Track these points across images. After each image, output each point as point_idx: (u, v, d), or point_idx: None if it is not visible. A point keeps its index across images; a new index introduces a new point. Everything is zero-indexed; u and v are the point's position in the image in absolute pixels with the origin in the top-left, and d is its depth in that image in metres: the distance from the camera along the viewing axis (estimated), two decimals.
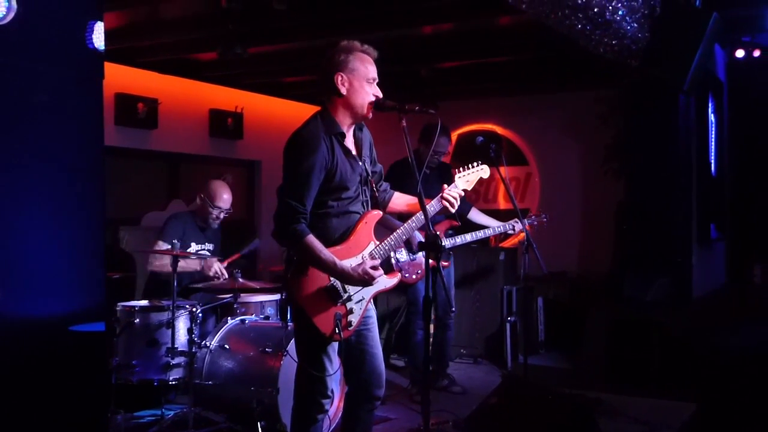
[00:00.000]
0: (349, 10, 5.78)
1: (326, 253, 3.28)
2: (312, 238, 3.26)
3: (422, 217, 3.43)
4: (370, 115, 3.46)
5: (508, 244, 8.16)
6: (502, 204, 8.68)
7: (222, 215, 5.41)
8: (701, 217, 7.52)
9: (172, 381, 4.89)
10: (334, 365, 3.45)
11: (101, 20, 1.82)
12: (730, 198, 8.79)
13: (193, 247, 5.39)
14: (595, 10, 5.11)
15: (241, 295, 5.23)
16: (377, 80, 3.45)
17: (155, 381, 4.87)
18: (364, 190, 3.52)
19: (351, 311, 3.40)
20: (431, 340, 5.90)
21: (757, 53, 7.78)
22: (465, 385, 6.08)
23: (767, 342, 6.19)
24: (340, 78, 3.39)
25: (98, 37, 1.87)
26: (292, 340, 3.96)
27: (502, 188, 8.54)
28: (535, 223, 5.70)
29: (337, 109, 3.43)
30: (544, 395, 4.38)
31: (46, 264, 1.77)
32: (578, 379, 6.22)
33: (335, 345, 3.45)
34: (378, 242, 3.52)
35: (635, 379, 6.06)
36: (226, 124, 8.09)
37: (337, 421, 4.76)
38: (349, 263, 3.36)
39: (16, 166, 1.70)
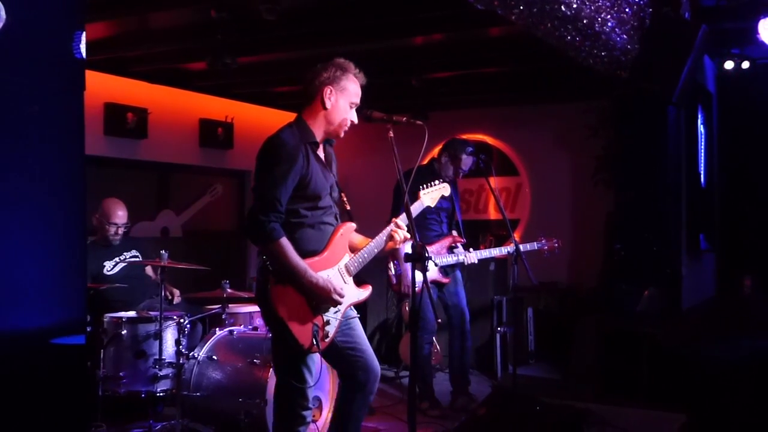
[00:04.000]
0: (339, 21, 5.79)
1: (298, 258, 3.28)
2: (286, 241, 3.27)
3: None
4: (342, 135, 3.51)
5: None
6: (492, 214, 8.69)
7: (121, 231, 5.51)
8: (691, 229, 7.54)
9: (159, 393, 4.87)
10: (314, 376, 3.44)
11: (83, 30, 1.81)
12: (719, 209, 8.81)
13: (108, 265, 5.45)
14: (585, 21, 5.13)
15: (230, 305, 5.22)
16: (358, 105, 3.50)
17: (143, 393, 4.85)
18: (335, 203, 3.55)
19: (328, 322, 3.40)
20: (449, 352, 5.87)
21: (746, 65, 7.82)
22: None
23: (757, 353, 6.19)
24: (328, 91, 3.43)
25: (82, 48, 1.86)
26: None
27: (492, 199, 8.55)
28: (545, 247, 5.58)
29: (316, 120, 3.46)
30: (533, 406, 4.37)
31: (25, 276, 1.75)
32: (568, 390, 6.22)
33: (314, 356, 3.44)
34: (352, 255, 3.55)
35: (625, 390, 6.05)
36: (216, 134, 8.07)
37: (326, 431, 4.74)
38: (326, 274, 3.38)
39: None
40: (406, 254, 3.24)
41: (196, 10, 5.66)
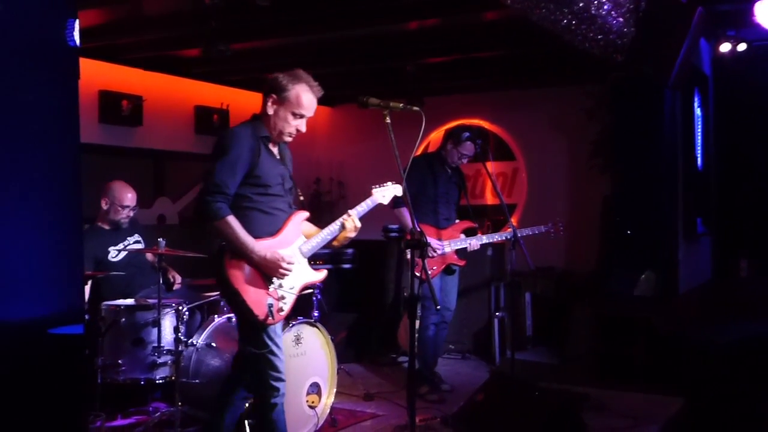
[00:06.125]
0: (333, 6, 5.75)
1: (245, 234, 3.53)
2: (233, 219, 3.51)
3: (361, 210, 3.89)
4: (285, 140, 3.75)
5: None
6: (490, 199, 8.68)
7: (131, 213, 5.50)
8: (687, 212, 7.55)
9: (158, 380, 4.88)
10: (280, 347, 3.66)
11: (77, 18, 1.80)
12: (716, 192, 8.82)
13: (113, 250, 5.39)
14: (580, 5, 5.10)
15: None
16: (308, 116, 3.68)
17: (142, 380, 4.86)
18: (289, 194, 3.79)
19: (282, 297, 3.65)
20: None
21: (742, 47, 7.79)
22: (453, 381, 6.08)
23: (753, 336, 6.22)
24: (271, 99, 3.68)
25: (76, 35, 1.84)
26: None
27: (489, 184, 8.54)
28: (552, 231, 5.68)
29: (264, 120, 3.71)
30: (531, 391, 4.39)
31: (21, 266, 1.75)
32: (565, 374, 6.25)
33: (276, 328, 3.65)
34: (306, 240, 3.82)
35: (622, 374, 6.08)
36: (211, 121, 8.04)
37: (325, 418, 4.75)
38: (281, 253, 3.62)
39: None
40: (405, 241, 3.29)
41: None
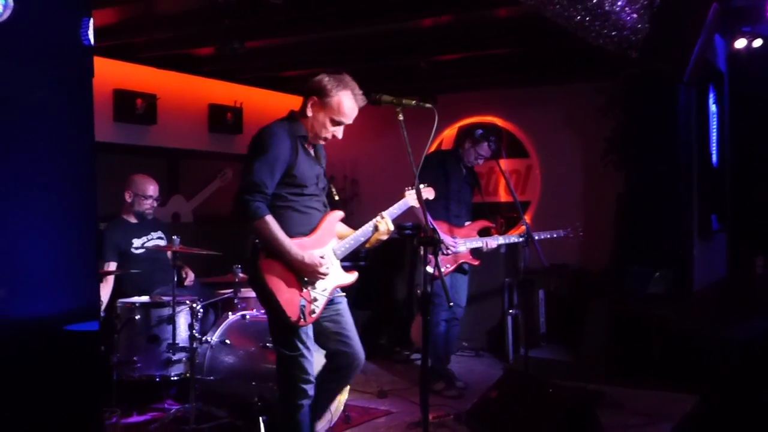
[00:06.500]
0: (346, 3, 5.76)
1: (283, 234, 3.47)
2: (271, 218, 3.45)
3: (393, 211, 3.91)
4: (321, 143, 3.69)
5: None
6: (503, 197, 8.66)
7: (155, 204, 5.63)
8: (702, 209, 7.50)
9: (173, 377, 4.91)
10: (310, 349, 3.60)
11: (91, 17, 1.81)
12: (731, 189, 8.76)
13: (136, 242, 5.50)
14: (594, 1, 5.09)
15: (241, 290, 5.23)
16: (346, 123, 3.61)
17: (157, 377, 4.90)
18: (323, 193, 3.74)
19: (315, 299, 3.59)
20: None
21: (758, 43, 7.73)
22: (467, 378, 6.07)
23: None
24: (311, 102, 3.59)
25: (90, 34, 1.85)
26: None
27: (502, 181, 8.51)
28: (571, 234, 5.70)
29: (303, 121, 3.62)
30: (545, 388, 4.38)
31: (37, 264, 1.76)
32: (579, 372, 6.22)
33: (308, 330, 3.60)
34: (339, 241, 3.76)
35: (636, 372, 6.05)
36: (225, 119, 8.07)
37: (338, 415, 4.76)
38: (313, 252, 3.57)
39: (5, 165, 1.69)
40: (418, 238, 3.29)
41: None
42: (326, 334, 3.71)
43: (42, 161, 1.75)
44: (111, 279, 5.32)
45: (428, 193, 4.33)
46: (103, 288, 5.22)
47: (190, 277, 5.54)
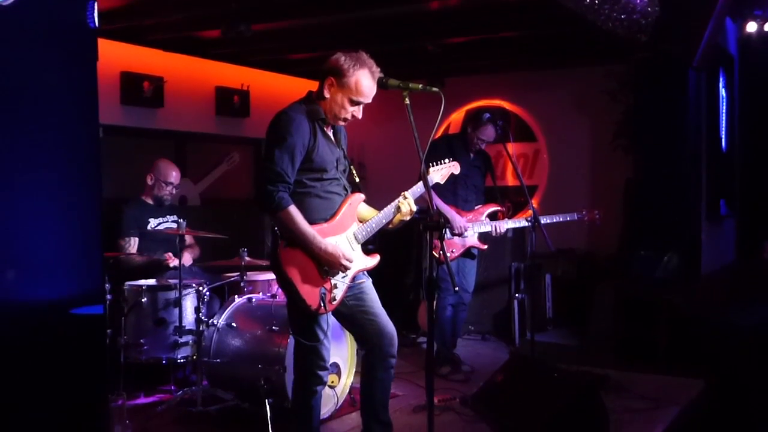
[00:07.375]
0: None
1: (306, 225, 3.42)
2: (294, 209, 3.40)
3: (416, 191, 3.80)
4: (341, 124, 3.62)
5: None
6: (510, 181, 8.63)
7: (174, 191, 5.74)
8: (711, 194, 7.47)
9: (180, 359, 4.94)
10: (329, 336, 3.58)
11: (95, 0, 1.80)
12: (740, 174, 8.72)
13: (152, 223, 5.62)
14: None
15: (248, 273, 5.25)
16: (365, 103, 3.54)
17: (164, 359, 4.93)
18: (343, 175, 3.67)
19: (335, 286, 3.55)
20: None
21: None
22: (473, 362, 6.09)
23: None
24: (329, 83, 3.51)
25: (95, 17, 1.84)
26: None
27: (510, 165, 8.49)
28: (586, 218, 5.70)
29: (320, 101, 3.55)
30: (550, 372, 4.39)
31: (42, 247, 1.77)
32: (586, 356, 6.23)
33: (327, 317, 3.56)
34: (360, 224, 3.69)
35: (643, 356, 6.05)
36: (232, 102, 8.05)
37: (344, 397, 4.78)
38: (334, 240, 3.52)
39: (10, 148, 1.69)
40: (424, 222, 3.26)
41: None
42: (351, 315, 3.66)
43: (46, 144, 1.75)
44: (135, 245, 5.54)
45: (454, 169, 4.20)
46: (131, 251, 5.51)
47: (186, 258, 5.52)
